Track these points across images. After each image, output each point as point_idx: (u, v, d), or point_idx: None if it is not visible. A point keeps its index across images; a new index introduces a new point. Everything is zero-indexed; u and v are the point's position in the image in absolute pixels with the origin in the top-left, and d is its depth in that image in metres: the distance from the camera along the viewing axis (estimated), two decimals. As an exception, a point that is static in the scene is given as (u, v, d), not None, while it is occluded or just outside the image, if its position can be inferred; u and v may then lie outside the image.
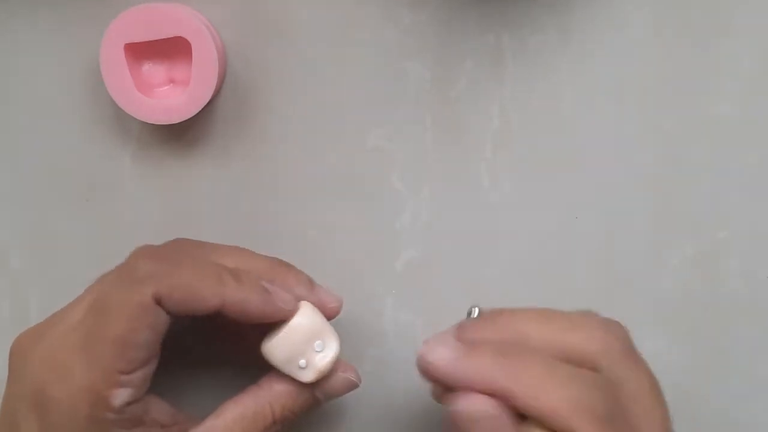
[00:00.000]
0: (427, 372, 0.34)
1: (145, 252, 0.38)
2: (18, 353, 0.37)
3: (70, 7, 0.43)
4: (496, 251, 0.43)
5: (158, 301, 0.35)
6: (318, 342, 0.37)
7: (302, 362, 0.37)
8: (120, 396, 0.35)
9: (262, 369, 0.38)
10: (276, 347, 0.37)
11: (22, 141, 0.44)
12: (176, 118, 0.41)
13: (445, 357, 0.33)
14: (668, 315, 0.43)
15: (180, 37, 0.40)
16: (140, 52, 0.41)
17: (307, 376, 0.37)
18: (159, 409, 0.37)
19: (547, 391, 0.32)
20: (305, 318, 0.37)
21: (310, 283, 0.40)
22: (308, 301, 0.38)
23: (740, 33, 0.42)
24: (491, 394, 0.32)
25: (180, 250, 0.39)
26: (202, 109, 0.41)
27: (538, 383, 0.32)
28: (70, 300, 0.38)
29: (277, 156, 0.43)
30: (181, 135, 0.43)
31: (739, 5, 0.42)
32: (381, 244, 0.43)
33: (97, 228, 0.44)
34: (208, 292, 0.36)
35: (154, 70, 0.42)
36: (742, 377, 0.43)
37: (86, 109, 0.43)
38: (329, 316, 0.39)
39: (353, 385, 0.39)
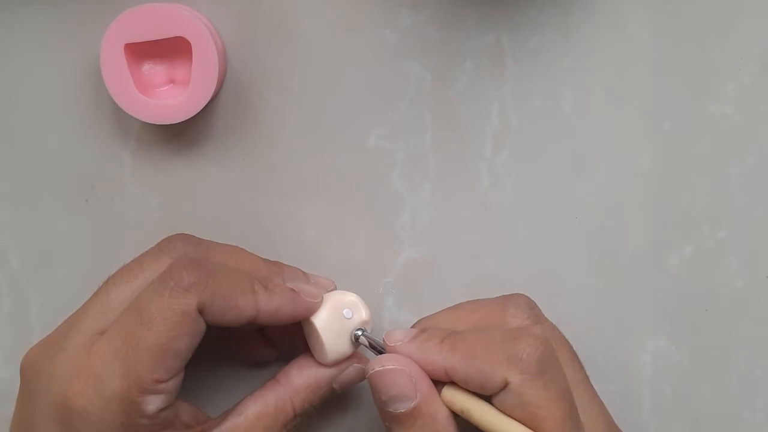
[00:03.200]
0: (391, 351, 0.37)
1: (186, 259, 0.37)
2: (32, 367, 0.37)
3: (70, 7, 0.43)
4: (496, 251, 0.43)
5: (201, 311, 0.35)
6: (347, 310, 0.39)
7: (348, 312, 0.39)
8: (154, 402, 0.35)
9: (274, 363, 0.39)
10: (324, 325, 0.38)
11: (22, 141, 0.44)
12: (176, 118, 0.41)
13: (399, 341, 0.37)
14: (668, 314, 0.43)
15: (180, 37, 0.40)
16: (140, 52, 0.41)
17: (349, 325, 0.39)
18: (185, 410, 0.37)
19: (479, 358, 0.35)
20: (335, 302, 0.39)
21: (305, 275, 0.41)
22: (312, 290, 0.39)
23: (740, 33, 0.42)
24: (438, 376, 0.36)
25: (195, 245, 0.39)
26: (202, 109, 0.41)
27: (470, 354, 0.35)
28: (70, 300, 0.38)
29: (277, 156, 0.43)
30: (181, 135, 0.43)
31: (738, 5, 0.42)
32: (381, 244, 0.43)
33: (97, 228, 0.44)
34: (243, 302, 0.36)
35: (154, 71, 0.42)
36: (742, 377, 0.43)
37: (86, 109, 0.43)
38: (315, 309, 0.39)
39: (363, 376, 0.39)
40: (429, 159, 0.43)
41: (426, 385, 0.36)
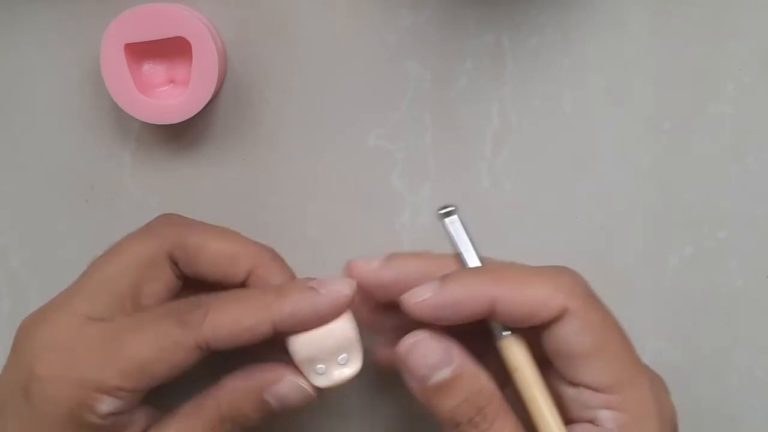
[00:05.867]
0: (416, 312, 0.35)
1: (189, 299, 0.36)
2: (20, 330, 0.37)
3: (70, 7, 0.43)
4: (496, 251, 0.43)
5: (201, 346, 0.35)
6: (343, 355, 0.36)
7: (320, 367, 0.36)
8: (108, 404, 0.34)
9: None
10: (304, 344, 0.36)
11: (22, 141, 0.44)
12: (176, 118, 0.41)
13: (428, 292, 0.34)
14: (668, 315, 0.43)
15: (180, 37, 0.40)
16: (140, 52, 0.41)
17: (319, 382, 0.36)
18: (144, 416, 0.37)
19: (531, 284, 0.34)
20: (344, 325, 0.36)
21: (293, 278, 0.40)
22: (343, 284, 0.36)
23: (740, 33, 0.42)
24: (480, 310, 0.34)
25: (180, 226, 0.39)
26: (202, 109, 0.41)
27: (520, 282, 0.34)
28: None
29: (277, 156, 0.43)
30: (181, 135, 0.43)
31: (738, 5, 0.42)
32: (381, 244, 0.43)
33: (97, 228, 0.44)
34: (254, 320, 0.35)
35: (154, 71, 0.42)
36: (742, 377, 0.43)
37: (86, 109, 0.43)
38: (343, 306, 0.37)
39: (308, 396, 0.37)
40: (429, 159, 0.43)
41: (458, 348, 0.35)
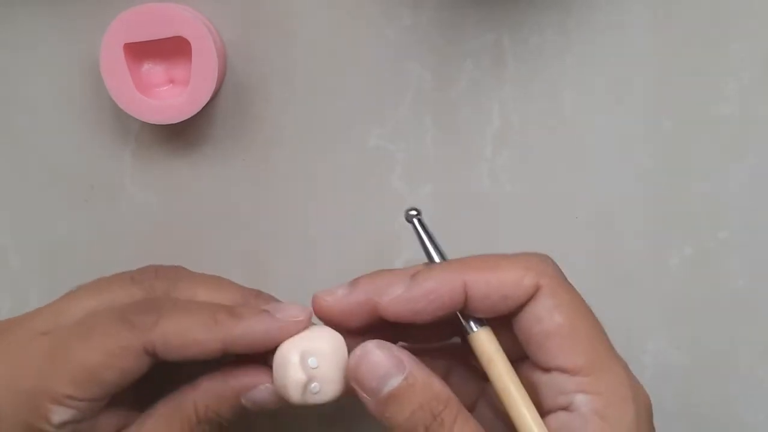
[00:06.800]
0: (388, 310, 0.34)
1: (145, 300, 0.36)
2: None
3: (70, 7, 0.43)
4: (496, 251, 0.43)
5: (148, 350, 0.34)
6: (311, 359, 0.34)
7: (314, 387, 0.34)
8: (61, 414, 0.34)
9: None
10: (284, 389, 0.34)
11: (22, 141, 0.44)
12: (176, 118, 0.41)
13: (400, 288, 0.34)
14: (668, 315, 0.43)
15: (180, 37, 0.40)
16: (140, 52, 0.41)
17: (322, 398, 0.35)
18: (112, 420, 0.36)
19: (502, 267, 0.34)
20: (286, 344, 0.35)
21: (277, 303, 0.38)
22: (296, 309, 0.36)
23: (740, 33, 0.42)
24: (451, 299, 0.33)
25: (166, 279, 0.38)
26: (202, 109, 0.41)
27: (491, 266, 0.34)
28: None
29: (276, 156, 0.43)
30: (181, 135, 0.43)
31: (739, 5, 0.42)
32: (381, 244, 0.43)
33: (97, 228, 0.44)
34: (204, 335, 0.34)
35: (153, 70, 0.42)
36: (742, 377, 0.43)
37: (86, 109, 0.43)
38: (294, 330, 0.36)
39: (275, 399, 0.36)
40: (429, 159, 0.43)
41: (409, 356, 0.33)
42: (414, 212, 0.37)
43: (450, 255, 0.39)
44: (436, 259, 0.36)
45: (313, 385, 0.34)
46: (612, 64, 0.42)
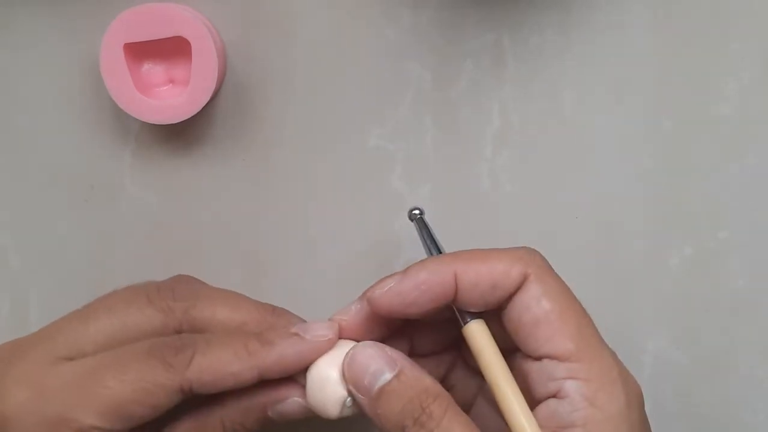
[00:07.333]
0: (380, 303, 0.34)
1: (175, 338, 0.35)
2: None
3: (70, 7, 0.43)
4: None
5: (184, 389, 0.34)
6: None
7: (348, 400, 0.35)
8: None
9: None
10: (323, 406, 0.35)
11: (22, 141, 0.44)
12: (176, 118, 0.41)
13: (391, 282, 0.34)
14: (668, 315, 0.43)
15: (180, 37, 0.40)
16: (140, 52, 0.41)
17: (354, 410, 0.35)
18: None
19: (491, 258, 0.34)
20: (323, 360, 0.35)
21: (303, 324, 0.38)
22: (323, 327, 0.36)
23: (740, 33, 0.42)
24: (442, 290, 0.34)
25: (184, 300, 0.37)
26: (202, 109, 0.41)
27: (480, 257, 0.34)
28: (70, 300, 0.38)
29: (276, 156, 0.43)
30: (181, 135, 0.43)
31: (738, 5, 0.42)
32: (381, 244, 0.43)
33: (97, 228, 0.44)
34: (238, 368, 0.34)
35: (153, 70, 0.42)
36: (742, 377, 0.43)
37: (86, 109, 0.43)
38: (325, 348, 0.36)
39: (303, 410, 0.36)
40: (429, 159, 0.43)
41: (400, 354, 0.34)
42: (417, 212, 0.38)
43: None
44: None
45: (348, 399, 0.35)
46: (612, 64, 0.42)
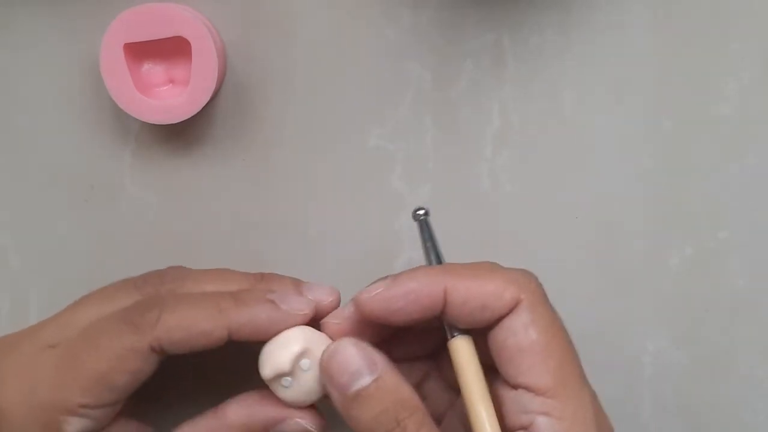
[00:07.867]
0: (367, 307, 0.34)
1: (147, 298, 0.36)
2: None
3: (70, 7, 0.43)
4: (496, 251, 0.43)
5: (154, 348, 0.34)
6: (305, 360, 0.35)
7: (286, 381, 0.35)
8: (75, 425, 0.34)
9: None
10: (263, 361, 0.35)
11: (22, 141, 0.44)
12: (176, 118, 0.41)
13: (381, 286, 0.34)
14: (668, 315, 0.43)
15: (180, 37, 0.40)
16: (140, 52, 0.41)
17: (288, 396, 0.35)
18: (125, 430, 0.36)
19: (484, 277, 0.33)
20: (294, 331, 0.35)
21: (296, 284, 0.38)
22: (301, 302, 0.36)
23: (740, 33, 0.42)
24: (431, 302, 0.33)
25: (172, 283, 0.37)
26: (202, 109, 0.41)
27: (473, 274, 0.33)
28: (70, 300, 0.38)
29: (276, 156, 0.43)
30: (181, 135, 0.43)
31: (738, 5, 0.42)
32: (381, 244, 0.43)
33: (97, 228, 0.44)
34: (209, 325, 0.34)
35: (153, 70, 0.42)
36: (742, 377, 0.43)
37: (86, 109, 0.43)
38: (327, 310, 0.37)
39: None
40: (429, 159, 0.43)
41: (383, 358, 0.33)
42: (422, 212, 0.37)
43: (450, 257, 0.39)
44: (433, 263, 0.36)
45: (285, 379, 0.35)
46: (612, 64, 0.42)
